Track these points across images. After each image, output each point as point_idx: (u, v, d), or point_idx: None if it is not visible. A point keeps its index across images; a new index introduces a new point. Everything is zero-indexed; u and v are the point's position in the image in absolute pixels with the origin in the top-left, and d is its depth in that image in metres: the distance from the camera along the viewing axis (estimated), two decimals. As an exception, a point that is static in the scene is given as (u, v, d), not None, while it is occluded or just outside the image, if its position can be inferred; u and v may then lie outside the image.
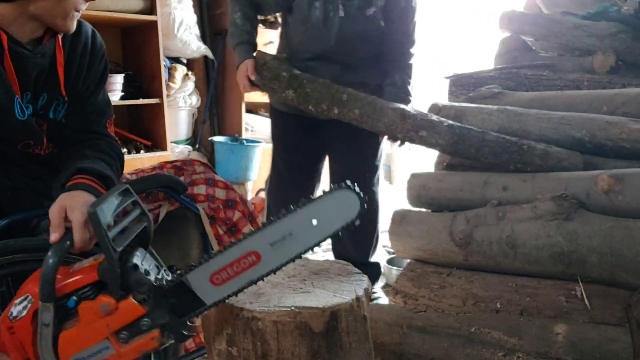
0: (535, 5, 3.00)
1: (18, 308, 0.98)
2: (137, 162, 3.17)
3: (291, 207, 0.94)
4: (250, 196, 3.61)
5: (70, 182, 1.15)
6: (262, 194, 2.97)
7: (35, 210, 1.28)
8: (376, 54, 2.00)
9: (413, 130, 1.70)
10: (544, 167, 1.66)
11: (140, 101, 3.38)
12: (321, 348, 0.96)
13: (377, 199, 2.17)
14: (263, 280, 0.95)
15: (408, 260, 1.89)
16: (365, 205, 0.95)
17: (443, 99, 2.29)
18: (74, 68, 1.31)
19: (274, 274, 0.94)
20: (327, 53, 1.92)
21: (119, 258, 0.94)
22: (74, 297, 0.96)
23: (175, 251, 1.52)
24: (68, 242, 1.00)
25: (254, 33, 1.98)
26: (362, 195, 0.95)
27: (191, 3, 3.64)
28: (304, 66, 1.92)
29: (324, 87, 1.78)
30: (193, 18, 3.64)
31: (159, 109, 3.44)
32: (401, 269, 1.96)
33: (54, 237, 1.03)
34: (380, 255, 2.31)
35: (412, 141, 1.74)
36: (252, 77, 1.85)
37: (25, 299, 0.98)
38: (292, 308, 0.96)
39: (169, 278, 0.97)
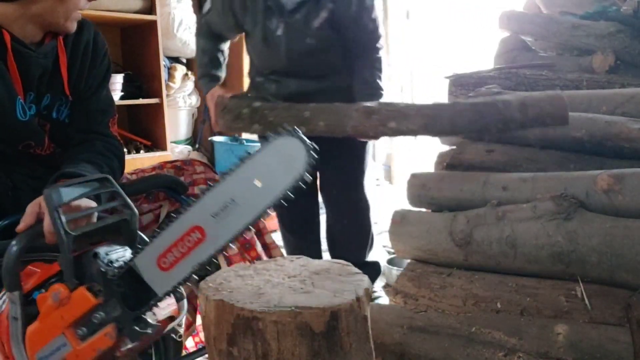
0: (535, 5, 3.00)
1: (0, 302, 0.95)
2: (137, 162, 3.17)
3: (229, 168, 0.83)
4: (250, 196, 3.60)
5: None
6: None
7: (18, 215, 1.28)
8: (342, 58, 1.98)
9: (381, 124, 1.67)
10: (526, 121, 1.61)
11: (140, 101, 3.39)
12: (321, 348, 0.96)
13: (366, 198, 2.17)
14: (214, 260, 0.86)
15: (408, 260, 1.89)
16: (313, 152, 0.82)
17: (443, 99, 2.30)
18: (77, 67, 1.31)
19: (226, 252, 0.86)
20: (284, 69, 1.90)
21: (79, 246, 0.88)
22: (42, 290, 0.92)
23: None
24: (34, 231, 0.95)
25: (212, 65, 2.00)
26: (307, 140, 0.83)
27: (191, 3, 3.65)
28: (270, 80, 1.94)
29: (285, 111, 1.74)
30: (193, 18, 3.64)
31: (158, 109, 3.44)
32: (401, 269, 1.96)
33: (21, 225, 1.01)
34: (379, 255, 2.32)
35: (384, 135, 1.71)
36: (215, 128, 1.87)
37: (4, 292, 0.94)
38: (293, 308, 0.96)
39: (118, 265, 0.90)
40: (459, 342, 1.44)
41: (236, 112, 1.81)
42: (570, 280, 1.50)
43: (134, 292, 0.87)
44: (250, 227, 0.83)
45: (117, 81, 3.17)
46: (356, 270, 1.15)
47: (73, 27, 1.25)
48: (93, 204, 1.06)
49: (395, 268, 2.50)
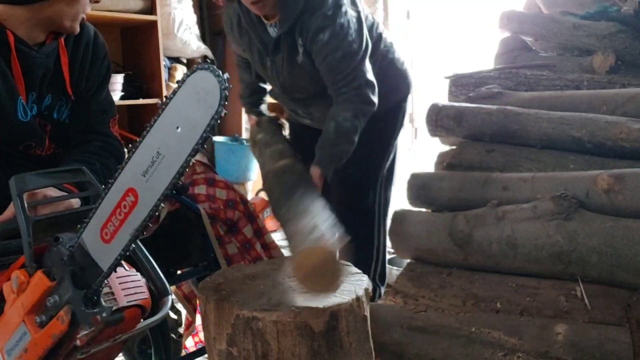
0: (535, 5, 3.00)
1: None
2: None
3: (153, 118, 0.80)
4: (250, 196, 3.61)
5: None
6: (262, 194, 2.97)
7: None
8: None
9: None
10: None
11: (140, 101, 3.38)
12: (321, 348, 0.97)
13: (372, 209, 2.00)
14: (148, 225, 0.81)
15: (408, 260, 1.89)
16: (226, 84, 0.76)
17: (443, 99, 2.30)
18: (77, 68, 1.32)
19: (157, 212, 0.80)
20: (283, 93, 1.83)
21: (45, 234, 0.86)
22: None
23: (176, 251, 1.52)
24: (6, 225, 0.93)
25: (247, 94, 1.97)
26: (219, 72, 0.77)
27: (191, 3, 3.64)
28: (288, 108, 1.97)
29: (269, 151, 1.66)
30: (193, 18, 3.64)
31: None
32: (401, 269, 1.96)
33: None
34: (384, 283, 2.13)
35: None
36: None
37: None
38: (292, 308, 0.96)
39: (69, 242, 0.86)
40: (458, 342, 1.44)
41: (252, 137, 1.78)
42: (570, 280, 1.50)
43: (83, 270, 0.83)
44: (179, 179, 0.78)
45: (117, 81, 3.17)
46: (356, 270, 1.15)
47: (77, 28, 1.26)
48: (61, 193, 1.05)
49: (395, 268, 2.50)
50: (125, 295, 0.90)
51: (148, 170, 0.78)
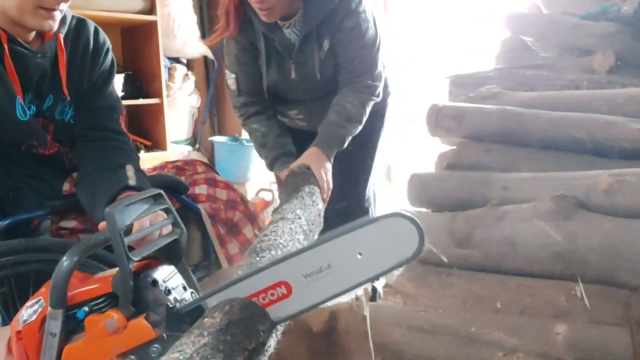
0: (535, 5, 3.00)
1: (29, 311, 0.90)
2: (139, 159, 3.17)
3: (332, 233, 0.79)
4: (250, 196, 3.61)
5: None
6: (263, 194, 2.97)
7: (37, 210, 1.28)
8: None
9: None
10: None
11: (140, 101, 3.38)
12: (321, 348, 0.97)
13: (363, 204, 1.96)
14: (293, 320, 0.81)
15: (408, 260, 1.89)
16: (424, 236, 0.76)
17: (443, 99, 2.30)
18: (77, 67, 1.31)
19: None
20: (299, 93, 1.77)
21: (136, 271, 0.85)
22: (85, 308, 0.86)
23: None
24: (87, 247, 0.89)
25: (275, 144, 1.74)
26: (419, 224, 0.76)
27: (191, 3, 3.64)
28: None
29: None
30: (193, 18, 3.64)
31: (159, 109, 3.43)
32: (401, 269, 1.96)
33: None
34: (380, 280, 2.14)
35: None
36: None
37: (37, 302, 0.90)
38: (293, 308, 0.96)
39: (187, 300, 0.86)
40: (458, 342, 1.44)
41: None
42: (570, 280, 1.50)
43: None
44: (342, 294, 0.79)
45: (117, 81, 3.16)
46: (356, 270, 1.15)
47: (47, 25, 1.19)
48: (148, 222, 1.01)
49: (395, 268, 2.49)
50: None
51: (312, 275, 0.78)
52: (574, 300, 1.46)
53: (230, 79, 1.74)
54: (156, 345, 0.81)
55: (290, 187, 1.44)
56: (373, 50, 1.66)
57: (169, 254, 0.91)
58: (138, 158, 1.34)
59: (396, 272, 2.34)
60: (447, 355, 1.43)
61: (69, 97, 1.30)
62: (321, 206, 1.35)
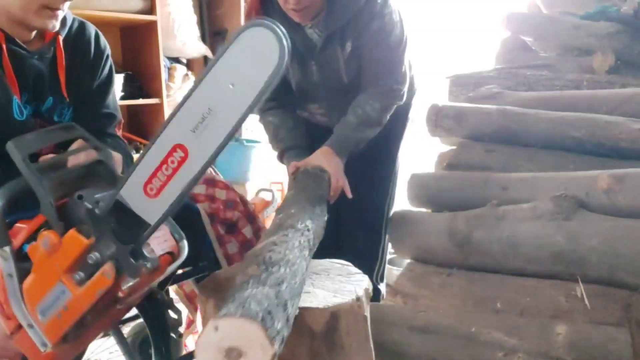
0: (535, 5, 3.00)
1: None
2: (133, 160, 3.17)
3: (198, 78, 0.79)
4: (250, 196, 3.61)
5: None
6: (263, 194, 2.97)
7: (36, 209, 1.28)
8: None
9: None
10: None
11: (140, 101, 3.38)
12: (321, 348, 0.96)
13: (383, 208, 1.91)
14: (199, 180, 0.83)
15: (408, 260, 1.89)
16: (286, 42, 0.74)
17: (443, 99, 2.30)
18: (76, 69, 1.31)
19: (212, 169, 0.82)
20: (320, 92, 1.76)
21: (61, 194, 0.87)
22: (31, 242, 0.88)
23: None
24: (14, 185, 0.92)
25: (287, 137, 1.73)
26: (279, 29, 0.74)
27: (191, 3, 3.64)
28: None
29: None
30: (193, 18, 3.64)
31: (159, 109, 3.44)
32: (401, 269, 1.96)
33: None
34: (384, 281, 2.04)
35: None
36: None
37: None
38: (293, 308, 0.95)
39: (103, 199, 0.87)
40: (458, 342, 1.44)
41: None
42: (570, 280, 1.50)
43: (125, 225, 0.84)
44: (234, 135, 0.80)
45: (117, 82, 3.17)
46: (356, 270, 1.15)
47: (50, 24, 1.19)
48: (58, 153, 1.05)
49: (395, 268, 2.49)
50: (158, 244, 0.93)
51: (198, 126, 0.78)
52: (574, 300, 1.46)
53: None
54: (94, 252, 0.83)
55: (301, 185, 1.42)
56: (398, 53, 1.63)
57: (101, 177, 0.93)
58: (132, 159, 1.34)
59: (396, 272, 2.34)
60: (447, 355, 1.43)
61: (67, 99, 1.30)
62: (326, 217, 1.32)
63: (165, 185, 0.82)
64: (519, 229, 1.55)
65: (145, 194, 0.82)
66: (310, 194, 1.35)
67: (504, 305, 1.54)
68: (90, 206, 0.84)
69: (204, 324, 1.09)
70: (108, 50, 1.39)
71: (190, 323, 1.69)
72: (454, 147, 2.03)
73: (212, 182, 1.59)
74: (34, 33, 1.23)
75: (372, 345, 1.07)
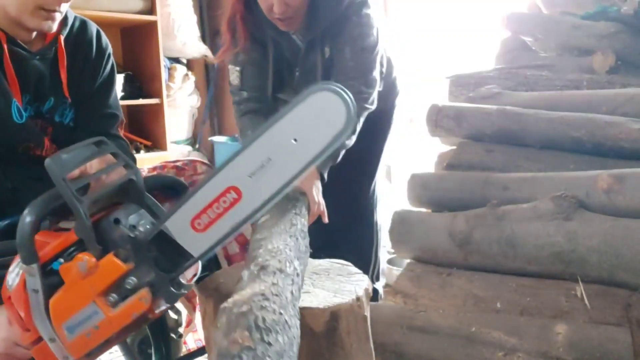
0: (535, 5, 3.00)
1: (12, 276, 0.92)
2: (137, 162, 3.17)
3: (261, 128, 0.80)
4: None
5: None
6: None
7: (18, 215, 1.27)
8: None
9: None
10: None
11: (140, 101, 3.39)
12: (321, 348, 0.96)
13: (373, 210, 1.95)
14: (249, 222, 0.83)
15: (408, 260, 1.89)
16: (352, 107, 0.77)
17: (443, 99, 2.30)
18: (78, 69, 1.30)
19: (264, 212, 0.82)
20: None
21: (101, 216, 0.87)
22: (61, 260, 0.88)
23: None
24: (45, 200, 0.91)
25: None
26: (347, 95, 0.77)
27: (191, 3, 3.65)
28: None
29: None
30: (193, 18, 3.64)
31: (159, 109, 3.44)
32: (401, 269, 1.96)
33: None
34: (380, 281, 2.09)
35: None
36: None
37: (17, 265, 0.92)
38: (293, 308, 0.95)
39: (146, 228, 0.88)
40: (458, 342, 1.44)
41: None
42: (570, 280, 1.50)
43: (166, 255, 0.85)
44: (290, 185, 0.81)
45: (117, 82, 3.17)
46: (356, 270, 1.15)
47: (46, 25, 1.18)
48: (93, 168, 1.05)
49: (395, 268, 2.50)
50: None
51: (256, 173, 0.80)
52: (574, 300, 1.46)
53: (234, 73, 1.72)
54: (131, 277, 0.84)
55: (280, 209, 1.30)
56: (371, 57, 1.62)
57: (130, 195, 0.93)
58: (135, 160, 1.34)
59: (396, 272, 2.34)
60: (447, 355, 1.43)
61: (69, 99, 1.30)
62: (309, 254, 1.24)
63: (214, 222, 0.83)
64: (519, 229, 1.55)
65: (192, 228, 0.83)
66: (289, 220, 1.23)
67: (504, 305, 1.54)
68: (128, 232, 0.85)
69: (204, 324, 1.09)
70: (110, 49, 1.39)
71: (190, 321, 1.69)
72: (454, 147, 2.03)
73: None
74: (34, 34, 1.23)
75: (372, 345, 1.07)
